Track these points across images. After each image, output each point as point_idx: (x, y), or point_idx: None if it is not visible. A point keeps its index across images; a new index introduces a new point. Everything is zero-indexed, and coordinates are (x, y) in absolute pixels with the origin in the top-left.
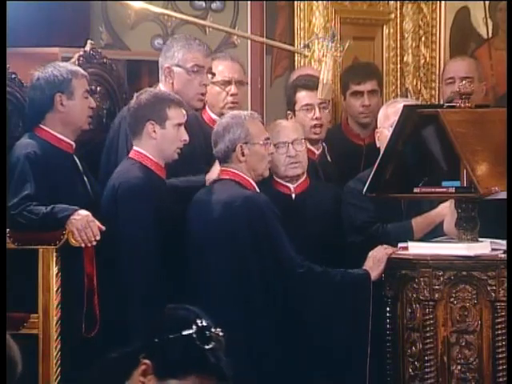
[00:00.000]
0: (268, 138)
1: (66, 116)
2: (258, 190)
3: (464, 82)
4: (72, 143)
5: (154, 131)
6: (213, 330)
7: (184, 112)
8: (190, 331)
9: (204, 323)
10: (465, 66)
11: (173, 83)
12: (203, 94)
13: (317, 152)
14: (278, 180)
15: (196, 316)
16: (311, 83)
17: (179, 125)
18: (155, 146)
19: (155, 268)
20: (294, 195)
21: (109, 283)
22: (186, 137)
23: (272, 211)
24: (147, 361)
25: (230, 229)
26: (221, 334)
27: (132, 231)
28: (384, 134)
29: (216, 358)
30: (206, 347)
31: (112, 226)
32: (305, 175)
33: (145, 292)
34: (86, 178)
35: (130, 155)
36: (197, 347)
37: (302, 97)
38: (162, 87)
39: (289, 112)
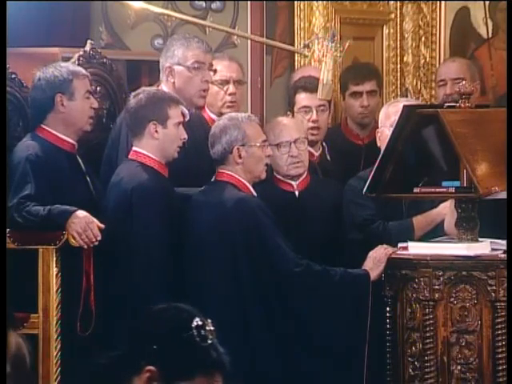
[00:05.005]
0: (265, 141)
1: (67, 116)
2: (253, 192)
3: (464, 82)
4: (74, 143)
5: (156, 131)
6: (206, 326)
7: (185, 111)
8: (190, 332)
9: (199, 321)
10: (455, 67)
11: (174, 82)
12: (205, 91)
13: (316, 153)
14: (280, 178)
15: (189, 314)
16: (312, 85)
17: (179, 123)
18: (157, 146)
19: (169, 268)
20: (297, 192)
21: (117, 284)
22: (185, 135)
23: (265, 213)
24: (152, 367)
25: (224, 230)
26: (212, 326)
27: (150, 233)
28: (385, 133)
29: (216, 351)
30: (206, 344)
31: (124, 229)
32: (306, 172)
33: (162, 292)
34: (88, 178)
35: (132, 156)
36: (198, 346)
37: (301, 98)
38: (164, 87)
39: (288, 112)
